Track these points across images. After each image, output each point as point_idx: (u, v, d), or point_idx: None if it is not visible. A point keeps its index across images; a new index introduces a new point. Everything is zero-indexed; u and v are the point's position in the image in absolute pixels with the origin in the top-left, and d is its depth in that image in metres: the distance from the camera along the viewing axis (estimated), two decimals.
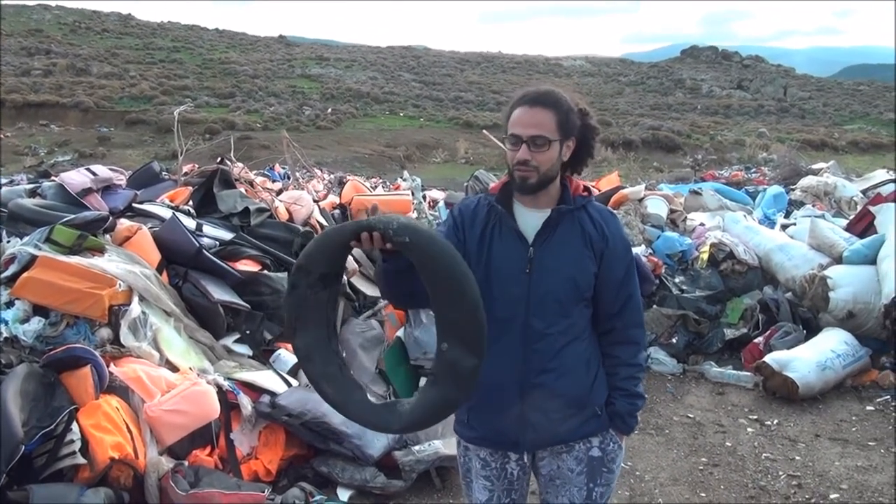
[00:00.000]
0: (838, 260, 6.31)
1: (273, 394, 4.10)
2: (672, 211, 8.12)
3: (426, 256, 2.01)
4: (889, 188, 8.30)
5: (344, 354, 4.73)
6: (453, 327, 2.04)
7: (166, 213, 5.10)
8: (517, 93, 2.27)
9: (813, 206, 8.99)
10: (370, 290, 5.64)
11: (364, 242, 2.03)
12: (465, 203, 2.38)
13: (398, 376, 4.95)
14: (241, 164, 7.65)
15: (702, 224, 7.70)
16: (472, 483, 2.43)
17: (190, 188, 6.01)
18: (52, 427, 3.22)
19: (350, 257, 5.97)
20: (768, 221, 8.37)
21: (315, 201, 7.16)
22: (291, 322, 2.18)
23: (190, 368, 4.01)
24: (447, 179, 24.52)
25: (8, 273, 4.02)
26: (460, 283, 2.00)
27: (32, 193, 5.25)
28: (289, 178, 10.56)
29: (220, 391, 3.93)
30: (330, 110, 47.78)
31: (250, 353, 4.63)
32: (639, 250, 6.68)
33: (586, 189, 2.34)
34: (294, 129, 37.28)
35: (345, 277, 5.42)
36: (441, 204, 9.63)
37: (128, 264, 4.26)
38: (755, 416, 5.14)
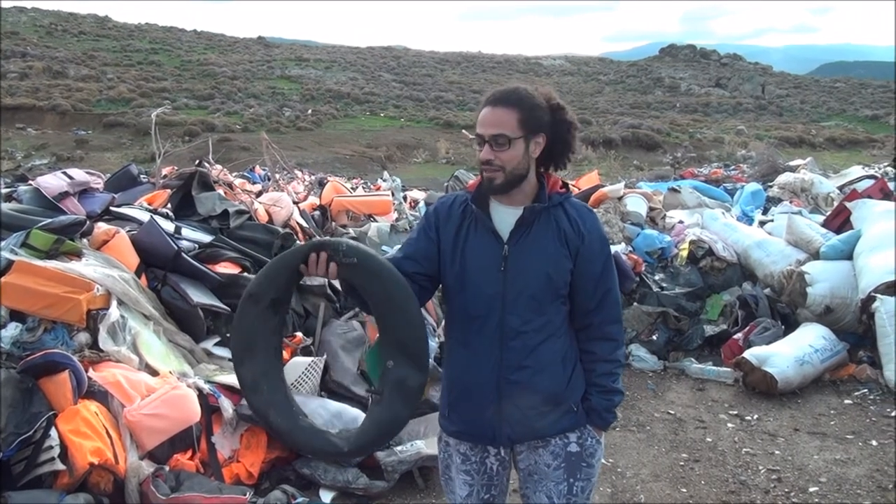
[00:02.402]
0: (815, 255, 6.38)
1: None
2: (651, 209, 8.16)
3: (372, 277, 2.09)
4: (865, 184, 8.41)
5: (325, 356, 4.75)
6: (399, 346, 2.12)
7: (144, 217, 5.06)
8: (485, 93, 2.29)
9: (790, 202, 9.08)
10: None
11: (311, 266, 2.10)
12: (442, 201, 2.39)
13: (379, 377, 4.93)
14: (220, 166, 7.61)
15: (681, 222, 7.75)
16: (451, 479, 2.44)
17: (168, 191, 5.97)
18: (31, 433, 3.19)
19: None
20: (746, 218, 8.44)
21: (295, 203, 7.14)
22: (237, 351, 2.18)
23: (170, 372, 3.99)
24: (428, 179, 24.52)
25: None
26: (405, 302, 2.09)
27: (8, 198, 5.19)
28: (269, 179, 10.51)
29: (201, 394, 3.91)
30: (310, 111, 47.61)
31: (230, 355, 4.60)
32: (619, 248, 6.71)
33: (564, 186, 2.35)
34: (274, 130, 37.11)
35: (325, 280, 5.40)
36: (422, 204, 9.64)
37: (106, 268, 4.23)
38: (735, 412, 5.19)
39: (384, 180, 11.83)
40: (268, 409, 2.17)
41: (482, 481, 2.39)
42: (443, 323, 5.29)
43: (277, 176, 9.76)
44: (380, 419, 2.17)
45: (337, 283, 5.60)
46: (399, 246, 6.50)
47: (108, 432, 3.44)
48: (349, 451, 2.21)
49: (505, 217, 2.27)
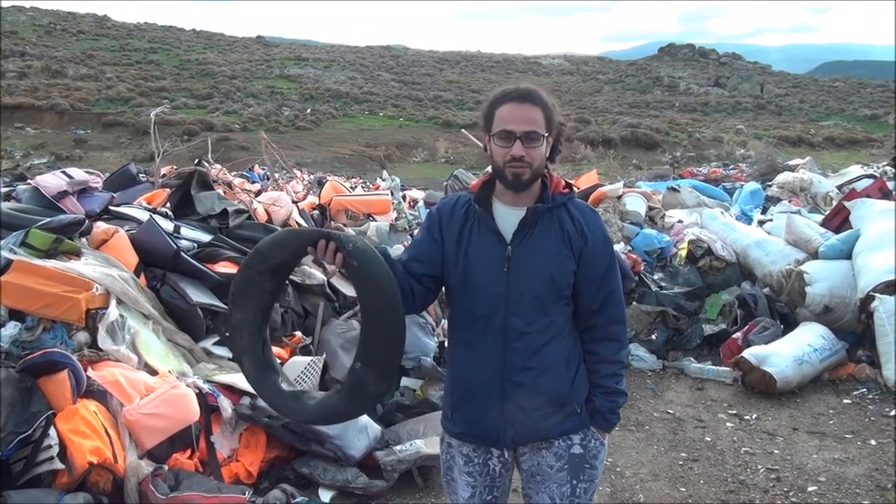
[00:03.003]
0: (814, 255, 6.38)
1: (253, 396, 4.08)
2: (650, 208, 8.18)
3: (367, 284, 2.15)
4: (864, 183, 8.41)
5: (324, 355, 4.75)
6: (373, 354, 2.18)
7: (143, 216, 5.05)
8: (497, 91, 2.27)
9: (789, 201, 9.09)
10: (350, 291, 5.63)
11: (319, 250, 2.14)
12: (445, 202, 2.38)
13: None
14: (219, 166, 7.61)
15: (680, 221, 7.76)
16: (453, 480, 2.43)
17: (167, 190, 5.97)
18: (30, 432, 3.19)
19: None
20: (745, 218, 8.45)
21: (294, 202, 7.14)
22: (234, 295, 2.30)
23: (169, 371, 3.98)
24: (427, 179, 24.53)
25: None
26: (389, 318, 2.14)
27: (7, 197, 5.19)
28: (268, 178, 10.51)
29: (200, 394, 3.90)
30: (309, 111, 47.64)
31: (230, 355, 4.59)
32: (618, 247, 6.72)
33: (568, 186, 2.34)
34: (273, 129, 37.16)
35: (324, 278, 5.41)
36: (421, 203, 9.65)
37: (105, 267, 4.23)
38: (734, 411, 5.19)
39: (383, 180, 11.84)
40: (243, 353, 2.32)
41: (485, 482, 2.38)
42: (442, 322, 5.30)
43: (276, 175, 9.77)
44: (330, 405, 2.28)
45: (336, 283, 5.61)
46: (397, 246, 6.53)
47: (107, 431, 3.44)
48: (296, 419, 2.49)
49: (508, 217, 2.26)
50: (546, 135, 2.19)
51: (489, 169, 2.35)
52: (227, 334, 2.38)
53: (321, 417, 2.41)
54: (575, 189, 2.51)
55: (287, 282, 5.30)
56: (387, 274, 2.13)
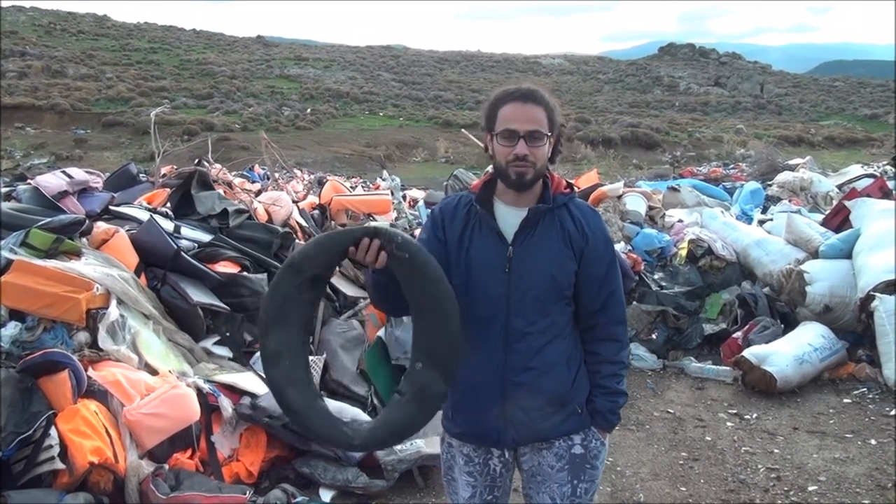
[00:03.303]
0: (815, 254, 6.38)
1: (254, 395, 4.08)
2: (651, 208, 8.17)
3: (420, 276, 2.05)
4: (864, 183, 8.41)
5: (325, 355, 4.75)
6: (432, 351, 2.08)
7: (144, 216, 5.05)
8: (499, 90, 2.26)
9: (789, 201, 9.09)
10: (350, 290, 5.63)
11: (360, 250, 2.04)
12: (446, 202, 2.38)
13: (379, 376, 4.94)
14: (219, 166, 7.61)
15: (680, 220, 7.76)
16: (454, 480, 2.43)
17: (167, 190, 5.97)
18: (30, 433, 3.19)
19: None
20: (745, 217, 8.45)
21: (294, 202, 7.14)
22: (267, 319, 2.08)
23: (169, 371, 3.98)
24: (427, 179, 24.54)
25: None
26: (449, 309, 2.05)
27: (8, 197, 5.19)
28: (268, 178, 10.52)
29: (200, 394, 3.90)
30: (309, 110, 47.66)
31: (230, 355, 4.60)
32: (618, 247, 6.72)
33: (569, 186, 2.34)
34: (273, 129, 37.19)
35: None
36: (421, 203, 9.65)
37: (105, 267, 4.23)
38: (734, 411, 5.19)
39: (383, 179, 11.84)
40: (285, 384, 2.07)
41: (485, 482, 2.38)
42: None
43: (277, 175, 9.77)
44: (394, 420, 2.12)
45: (336, 282, 5.61)
46: None
47: (107, 431, 3.43)
48: (359, 445, 2.15)
49: (509, 218, 2.26)
50: (548, 134, 2.19)
51: (490, 169, 2.35)
52: (264, 369, 2.11)
53: (388, 437, 2.15)
54: (576, 189, 2.50)
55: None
56: (437, 264, 2.08)
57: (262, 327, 2.10)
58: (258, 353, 4.64)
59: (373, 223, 2.03)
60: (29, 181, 5.56)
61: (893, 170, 11.35)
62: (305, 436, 3.99)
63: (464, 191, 2.43)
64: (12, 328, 3.78)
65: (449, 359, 2.08)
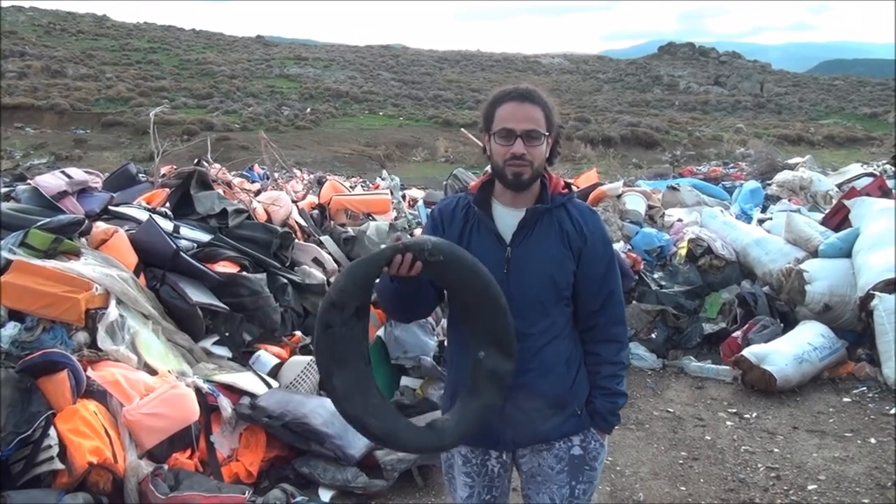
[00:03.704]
0: (814, 254, 6.38)
1: (253, 395, 4.09)
2: (650, 207, 8.18)
3: (463, 271, 2.06)
4: (864, 182, 8.42)
5: None
6: (490, 336, 2.10)
7: (143, 216, 5.05)
8: (497, 90, 2.26)
9: (789, 200, 9.08)
10: None
11: (393, 266, 2.01)
12: (445, 203, 2.38)
13: (379, 376, 4.94)
14: (218, 165, 7.61)
15: (679, 220, 7.76)
16: (454, 479, 2.43)
17: (167, 190, 5.97)
18: (30, 433, 3.19)
19: (328, 256, 5.96)
20: (745, 216, 8.44)
21: (294, 202, 7.14)
22: (327, 364, 2.06)
23: (169, 371, 3.98)
24: (427, 178, 24.52)
25: None
26: (495, 292, 2.07)
27: (7, 197, 5.19)
28: (268, 178, 10.52)
29: (200, 393, 3.90)
30: (309, 110, 47.64)
31: (230, 354, 4.60)
32: (617, 246, 6.72)
33: (567, 186, 2.34)
34: (273, 129, 37.18)
35: (324, 278, 5.40)
36: (420, 203, 9.64)
37: (104, 267, 4.22)
38: (734, 410, 5.19)
39: (383, 179, 11.81)
40: (364, 416, 2.05)
41: (483, 482, 2.38)
42: (442, 322, 5.29)
43: (276, 175, 9.77)
44: (476, 407, 2.12)
45: None
46: None
47: (106, 431, 3.44)
48: (450, 443, 2.18)
49: (507, 219, 2.25)
50: (546, 134, 2.19)
51: (488, 169, 2.35)
52: (336, 405, 2.08)
53: (475, 424, 2.12)
54: (574, 188, 2.50)
55: (287, 281, 5.29)
56: (468, 254, 2.09)
57: (324, 371, 2.09)
58: (257, 353, 4.66)
59: (401, 239, 1.99)
60: (29, 181, 5.55)
61: (893, 169, 11.36)
62: (304, 435, 3.99)
63: (462, 192, 2.43)
64: (11, 328, 3.78)
65: (508, 337, 2.10)
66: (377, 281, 2.16)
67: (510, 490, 2.48)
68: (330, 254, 6.06)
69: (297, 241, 5.91)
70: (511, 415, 2.24)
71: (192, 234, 5.10)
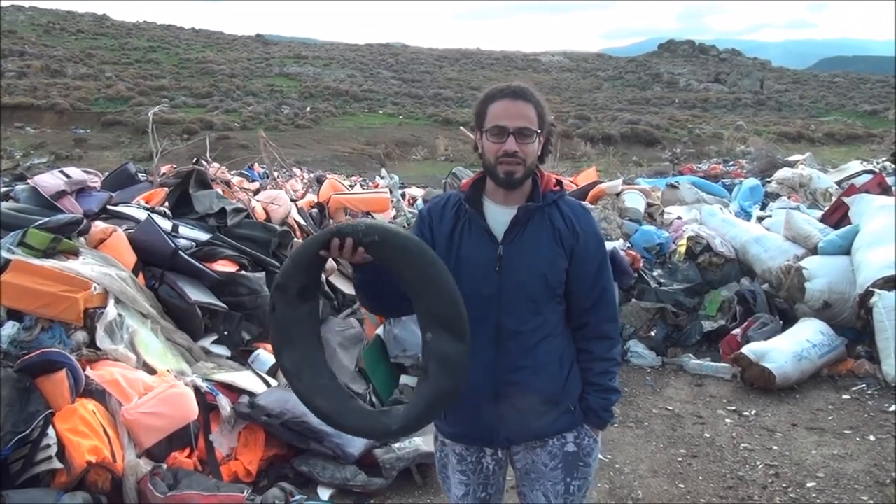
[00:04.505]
0: (813, 251, 6.38)
1: (252, 394, 4.09)
2: (649, 205, 8.17)
3: (397, 251, 2.03)
4: (863, 179, 8.42)
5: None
6: (435, 316, 2.05)
7: (142, 215, 5.06)
8: (489, 88, 2.26)
9: (788, 197, 9.08)
10: (349, 289, 5.63)
11: (333, 250, 2.04)
12: (435, 201, 2.37)
13: (378, 374, 4.95)
14: (218, 164, 7.61)
15: (679, 217, 7.75)
16: (448, 478, 2.43)
17: (166, 189, 5.97)
18: (28, 432, 3.19)
19: None
20: (744, 214, 8.44)
21: (293, 200, 7.14)
22: (275, 342, 2.16)
23: (167, 370, 3.99)
24: (427, 177, 24.51)
25: None
26: (436, 271, 2.03)
27: (6, 197, 5.19)
28: (267, 177, 10.52)
29: (199, 393, 3.91)
30: (309, 109, 47.64)
31: (228, 353, 4.61)
32: (617, 244, 6.71)
33: (558, 183, 2.33)
34: (273, 127, 37.19)
35: (322, 276, 5.40)
36: (420, 201, 9.65)
37: (103, 267, 4.23)
38: (733, 407, 5.19)
39: (382, 178, 11.81)
40: (312, 394, 2.13)
41: (478, 480, 2.38)
42: None
43: (276, 174, 9.77)
44: (426, 393, 2.10)
45: (335, 281, 5.61)
46: None
47: (105, 431, 3.44)
48: (398, 429, 2.15)
49: (499, 216, 2.25)
50: (538, 132, 2.18)
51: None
52: (289, 383, 2.18)
53: (425, 411, 2.11)
54: (569, 185, 2.49)
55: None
56: (410, 236, 2.09)
57: (275, 350, 2.19)
58: (256, 352, 4.67)
59: (338, 224, 2.01)
60: (29, 181, 5.55)
61: (893, 166, 11.36)
62: (303, 433, 3.99)
63: (453, 190, 2.42)
64: (10, 328, 3.78)
65: (453, 316, 2.03)
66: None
67: (505, 487, 2.48)
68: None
69: (296, 239, 5.91)
70: (505, 412, 2.24)
71: (190, 233, 5.11)
